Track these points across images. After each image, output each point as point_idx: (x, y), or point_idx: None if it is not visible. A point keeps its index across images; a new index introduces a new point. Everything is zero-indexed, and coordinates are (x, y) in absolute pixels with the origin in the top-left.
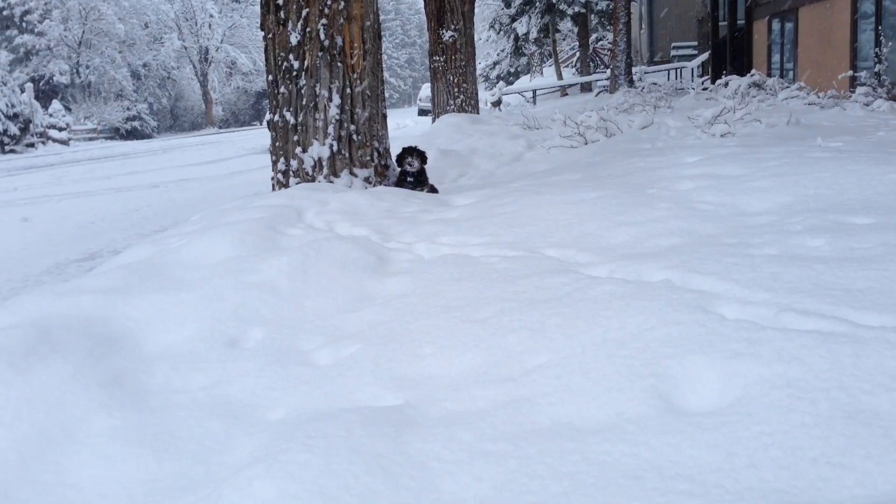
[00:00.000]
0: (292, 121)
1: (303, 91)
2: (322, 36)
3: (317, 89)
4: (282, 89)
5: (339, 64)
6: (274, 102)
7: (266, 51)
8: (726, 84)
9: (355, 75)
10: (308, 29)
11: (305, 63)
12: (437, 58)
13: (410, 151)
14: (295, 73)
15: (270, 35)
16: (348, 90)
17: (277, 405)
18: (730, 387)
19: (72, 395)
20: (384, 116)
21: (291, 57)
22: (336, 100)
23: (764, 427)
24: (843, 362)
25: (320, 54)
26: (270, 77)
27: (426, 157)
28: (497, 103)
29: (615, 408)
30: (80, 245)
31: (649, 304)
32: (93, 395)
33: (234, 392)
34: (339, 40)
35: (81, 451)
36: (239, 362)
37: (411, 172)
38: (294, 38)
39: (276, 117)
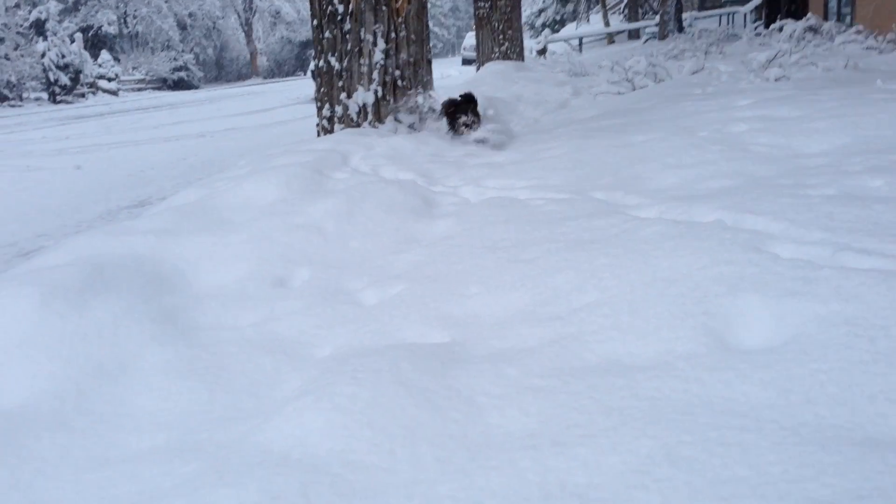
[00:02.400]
0: (337, 66)
1: (347, 36)
2: None
3: (361, 34)
4: (326, 34)
5: (384, 7)
6: (319, 48)
7: None
8: (781, 29)
9: (400, 19)
10: None
11: (350, 7)
12: (482, 3)
13: (463, 106)
14: (339, 18)
15: None
16: (393, 35)
17: (325, 342)
18: (784, 325)
19: (126, 330)
20: (429, 62)
21: (336, 1)
22: (381, 44)
23: (820, 364)
24: None
25: None
26: (315, 22)
27: (475, 104)
28: (542, 51)
29: (665, 345)
30: (131, 192)
31: (701, 243)
32: (146, 331)
33: (282, 329)
34: None
35: (135, 384)
36: (286, 301)
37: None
38: None
39: (321, 63)
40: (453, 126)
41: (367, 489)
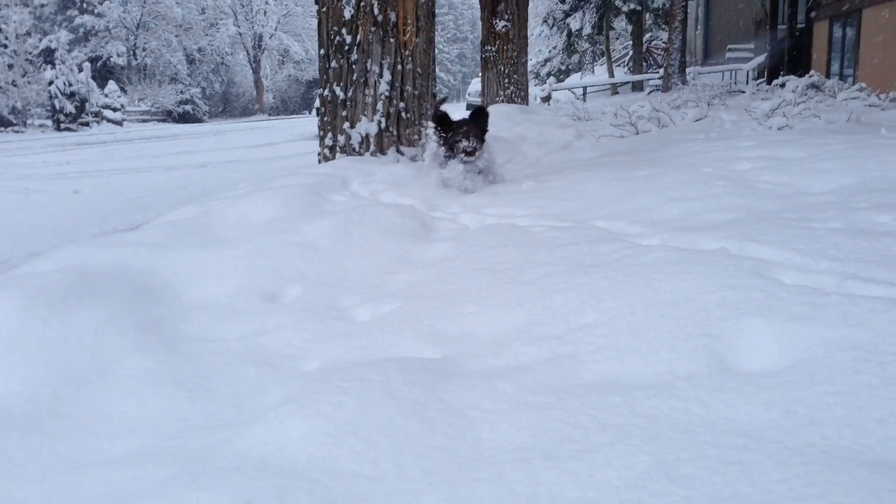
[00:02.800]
0: (342, 96)
1: (354, 66)
2: (376, 10)
3: (368, 65)
4: (333, 64)
5: (392, 40)
6: (325, 77)
7: (319, 24)
8: (783, 85)
9: (407, 52)
10: (362, 3)
11: (358, 38)
12: (489, 47)
13: (461, 130)
14: (347, 48)
15: (324, 8)
16: (399, 67)
17: (313, 356)
18: (789, 349)
19: (108, 338)
20: (434, 95)
21: (344, 31)
22: (386, 76)
23: (827, 387)
24: None
25: (373, 29)
26: (322, 51)
27: (485, 129)
28: (547, 99)
29: (666, 366)
30: (128, 216)
31: (704, 268)
32: (129, 339)
33: (270, 343)
34: (392, 16)
35: (114, 390)
36: (276, 316)
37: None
38: (347, 12)
39: (326, 92)
40: (451, 150)
41: (347, 497)
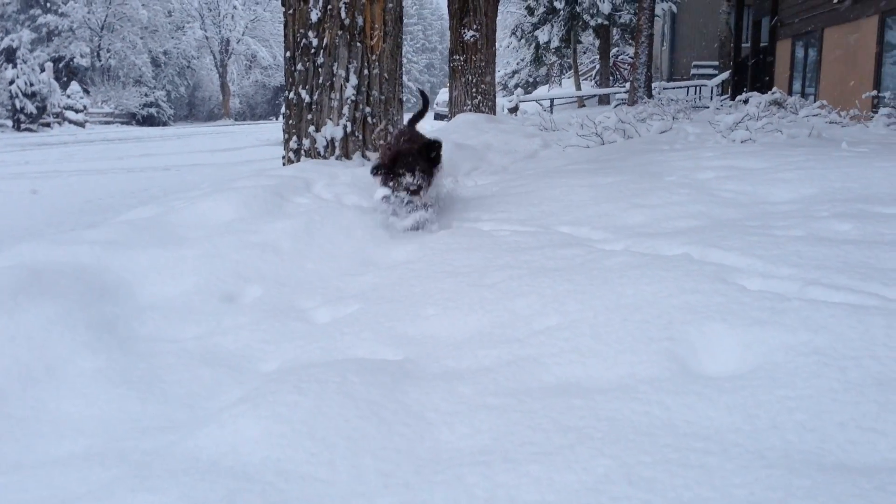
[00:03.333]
0: (307, 99)
1: (320, 69)
2: (343, 14)
3: (334, 68)
4: (299, 66)
5: (359, 44)
6: (290, 80)
7: (285, 26)
8: (746, 101)
9: (374, 56)
10: (329, 6)
11: (324, 41)
12: (457, 56)
13: (409, 160)
14: (313, 51)
15: (291, 11)
16: (366, 71)
17: (271, 357)
18: (751, 353)
19: (58, 336)
20: (401, 101)
21: (311, 34)
22: (353, 80)
23: (788, 391)
24: (874, 333)
25: (340, 33)
26: (288, 53)
27: (436, 158)
28: (514, 110)
29: (627, 369)
30: (86, 217)
31: (666, 273)
32: (79, 337)
33: (226, 343)
34: (359, 20)
35: (62, 389)
36: (234, 316)
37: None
38: (314, 15)
39: (292, 94)
40: (394, 184)
41: (300, 500)
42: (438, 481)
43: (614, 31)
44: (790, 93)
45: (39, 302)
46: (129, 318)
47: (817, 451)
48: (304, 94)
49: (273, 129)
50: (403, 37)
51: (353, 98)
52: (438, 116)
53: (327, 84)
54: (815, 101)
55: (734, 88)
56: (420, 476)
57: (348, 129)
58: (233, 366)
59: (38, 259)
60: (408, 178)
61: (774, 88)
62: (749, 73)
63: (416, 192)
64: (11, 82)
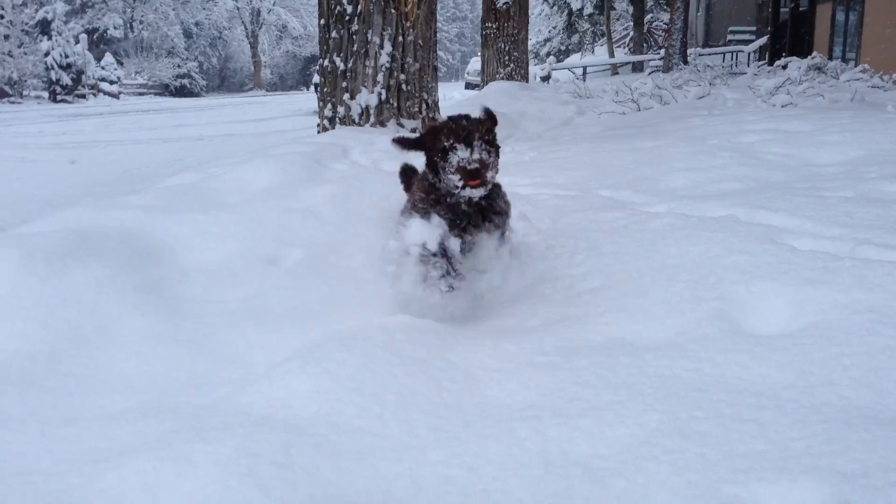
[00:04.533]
0: (342, 67)
1: (354, 37)
2: None
3: (368, 35)
4: (333, 34)
5: (393, 11)
6: (325, 47)
7: None
8: (785, 66)
9: (408, 24)
10: None
11: (359, 8)
12: (490, 24)
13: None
14: (347, 18)
15: None
16: (400, 38)
17: (316, 317)
18: (803, 312)
19: (107, 297)
20: (435, 68)
21: (345, 1)
22: (387, 47)
23: (843, 349)
24: None
25: (374, 0)
26: (322, 21)
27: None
28: (546, 78)
29: (676, 328)
30: (125, 187)
31: (712, 234)
32: (128, 299)
33: (271, 304)
34: None
35: (114, 348)
36: (277, 278)
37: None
38: None
39: (326, 62)
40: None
41: (353, 451)
42: (489, 435)
43: None
44: (830, 57)
45: (87, 265)
46: (175, 281)
47: (874, 406)
48: (338, 61)
49: (304, 99)
50: (437, 1)
51: (387, 65)
52: (469, 86)
53: (362, 51)
54: (856, 66)
55: (772, 54)
56: (470, 430)
57: (383, 97)
58: (278, 326)
59: (83, 224)
60: (461, 154)
61: (814, 53)
62: (788, 39)
63: (479, 179)
64: (47, 54)
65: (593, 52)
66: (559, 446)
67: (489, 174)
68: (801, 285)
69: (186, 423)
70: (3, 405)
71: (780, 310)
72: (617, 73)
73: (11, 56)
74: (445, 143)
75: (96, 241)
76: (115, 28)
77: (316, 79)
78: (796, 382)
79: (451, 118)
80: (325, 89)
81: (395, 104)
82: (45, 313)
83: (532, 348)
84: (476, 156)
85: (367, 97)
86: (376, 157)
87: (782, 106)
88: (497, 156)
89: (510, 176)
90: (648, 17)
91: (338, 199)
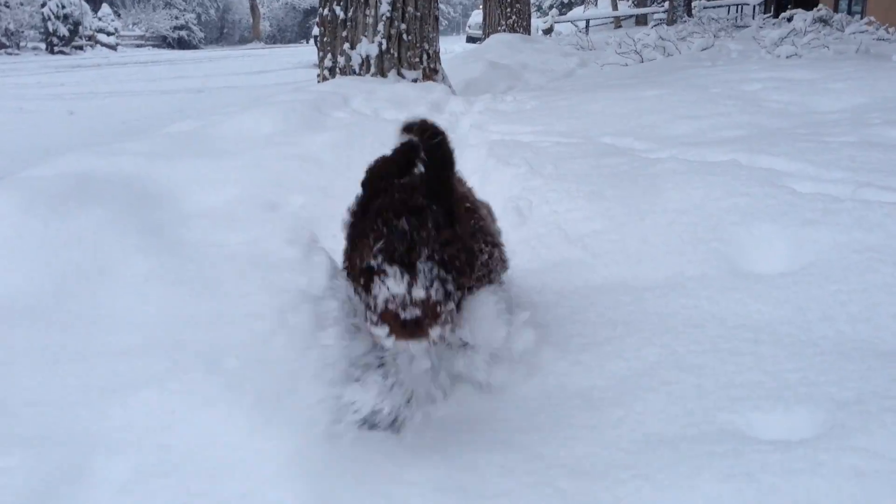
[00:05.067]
0: (342, 15)
1: None
2: None
3: None
4: None
5: None
6: None
7: None
8: (790, 18)
9: None
10: None
11: None
12: None
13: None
14: None
15: None
16: None
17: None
18: (803, 252)
19: (109, 239)
20: (436, 18)
21: None
22: None
23: (841, 286)
24: None
25: None
26: None
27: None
28: (548, 31)
29: (675, 269)
30: (122, 138)
31: (714, 178)
32: (130, 241)
33: (272, 248)
34: None
35: (117, 288)
36: (279, 223)
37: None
38: None
39: (326, 11)
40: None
41: None
42: None
43: None
44: (836, 10)
45: (89, 208)
46: (176, 225)
47: (871, 339)
48: (338, 10)
49: (304, 52)
50: None
51: (387, 14)
52: (471, 39)
53: (362, 0)
54: (861, 18)
55: (777, 6)
56: None
57: (383, 47)
58: (280, 268)
59: (84, 168)
60: (392, 286)
61: (820, 5)
62: None
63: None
64: (44, 4)
65: (596, 4)
66: (557, 379)
67: (437, 325)
68: (801, 226)
69: (193, 358)
70: (12, 340)
71: (780, 250)
72: (620, 27)
73: (8, 7)
74: (368, 260)
75: (97, 185)
76: None
77: (316, 31)
78: (794, 318)
79: (392, 161)
80: (325, 39)
81: (396, 54)
82: (49, 254)
83: (531, 288)
84: (419, 294)
85: (368, 47)
86: (377, 106)
87: (787, 57)
88: (467, 274)
89: (512, 125)
90: None
91: (339, 146)
